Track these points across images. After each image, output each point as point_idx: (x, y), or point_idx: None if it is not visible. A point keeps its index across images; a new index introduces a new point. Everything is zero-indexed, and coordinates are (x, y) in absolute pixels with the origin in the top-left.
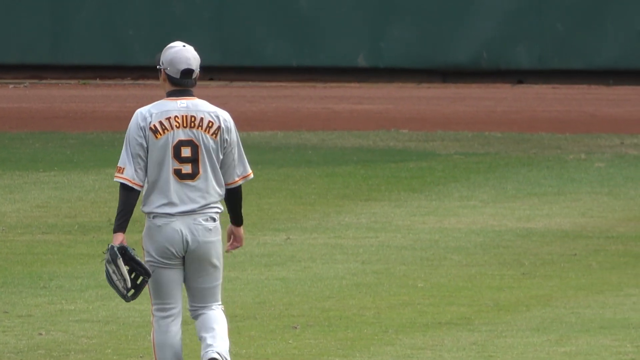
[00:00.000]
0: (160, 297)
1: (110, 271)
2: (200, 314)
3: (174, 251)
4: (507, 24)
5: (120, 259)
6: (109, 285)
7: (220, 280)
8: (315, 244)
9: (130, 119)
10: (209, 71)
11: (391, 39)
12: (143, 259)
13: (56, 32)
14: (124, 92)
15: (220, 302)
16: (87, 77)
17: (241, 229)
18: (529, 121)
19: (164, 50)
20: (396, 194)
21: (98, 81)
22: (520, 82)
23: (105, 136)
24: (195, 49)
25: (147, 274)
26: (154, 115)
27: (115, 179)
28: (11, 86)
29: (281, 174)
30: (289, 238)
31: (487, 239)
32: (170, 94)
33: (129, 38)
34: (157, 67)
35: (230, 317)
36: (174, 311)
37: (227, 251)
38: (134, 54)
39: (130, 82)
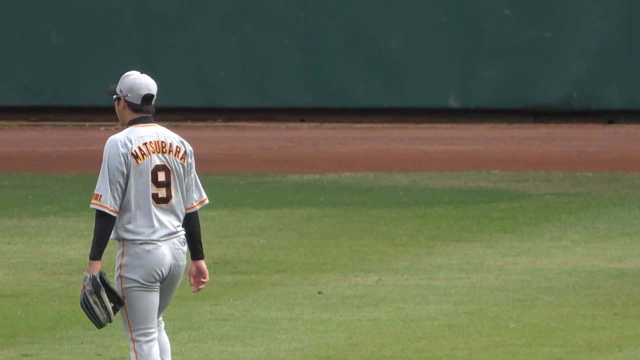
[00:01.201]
0: (144, 322)
1: (92, 302)
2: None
3: (161, 274)
4: (598, 64)
5: (104, 289)
6: (84, 312)
7: None
8: (407, 285)
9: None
10: (300, 113)
11: (481, 80)
12: (114, 285)
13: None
14: (215, 133)
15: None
16: (178, 119)
17: (203, 262)
18: (620, 161)
19: (121, 80)
20: (488, 234)
21: (189, 123)
22: (611, 122)
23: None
24: (286, 91)
25: (120, 303)
26: (133, 140)
27: (92, 206)
28: (102, 128)
29: (372, 215)
30: (380, 279)
31: (579, 279)
32: (135, 122)
33: (219, 80)
34: (114, 96)
35: (322, 359)
36: (154, 335)
37: (194, 292)
38: (225, 96)
39: (222, 124)
